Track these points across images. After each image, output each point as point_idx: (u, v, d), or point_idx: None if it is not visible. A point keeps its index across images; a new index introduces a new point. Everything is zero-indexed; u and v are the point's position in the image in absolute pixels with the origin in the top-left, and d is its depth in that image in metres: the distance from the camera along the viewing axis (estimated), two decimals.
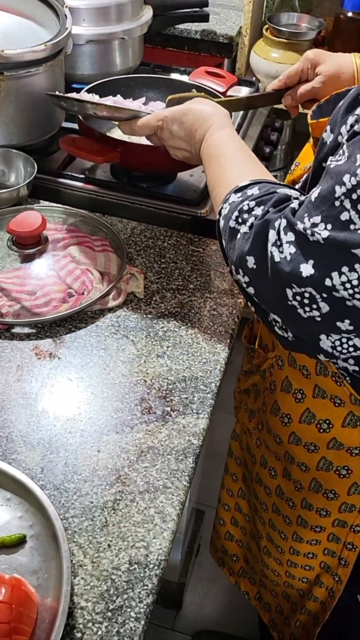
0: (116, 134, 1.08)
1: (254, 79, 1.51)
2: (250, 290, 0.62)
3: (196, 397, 0.77)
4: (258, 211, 0.60)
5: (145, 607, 0.58)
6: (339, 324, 0.55)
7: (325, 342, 0.58)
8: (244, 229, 0.61)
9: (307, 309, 0.55)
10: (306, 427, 0.73)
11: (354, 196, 0.49)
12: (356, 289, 0.51)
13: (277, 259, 0.56)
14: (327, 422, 0.71)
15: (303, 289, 0.54)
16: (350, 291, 0.52)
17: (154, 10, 1.35)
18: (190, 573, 1.46)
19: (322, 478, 0.75)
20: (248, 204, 0.62)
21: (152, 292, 0.91)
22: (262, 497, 0.88)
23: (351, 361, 0.60)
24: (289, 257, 0.55)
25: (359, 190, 0.48)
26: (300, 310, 0.56)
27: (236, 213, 0.62)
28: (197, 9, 1.48)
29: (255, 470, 0.88)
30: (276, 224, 0.57)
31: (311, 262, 0.53)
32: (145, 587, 0.60)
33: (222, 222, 0.66)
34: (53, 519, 0.61)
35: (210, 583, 1.51)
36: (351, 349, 0.57)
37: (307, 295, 0.54)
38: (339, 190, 0.50)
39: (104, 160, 0.97)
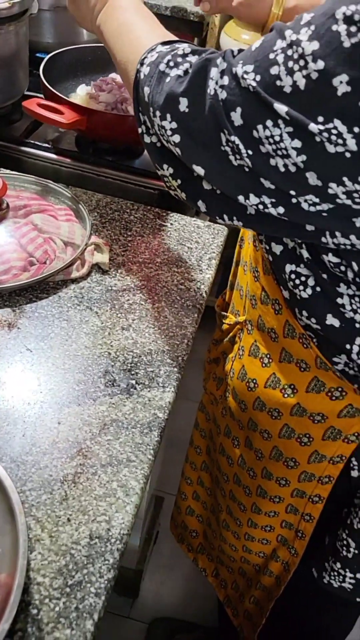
0: (80, 100, 1.05)
1: None
2: (175, 138, 0.57)
3: (162, 370, 0.75)
4: (193, 58, 0.57)
5: (106, 582, 0.55)
6: (262, 180, 0.53)
7: (243, 202, 0.55)
8: (177, 72, 0.57)
9: (237, 156, 0.53)
10: (271, 392, 0.72)
11: (289, 52, 0.47)
12: (279, 145, 0.49)
13: (220, 97, 0.52)
14: (292, 387, 0.70)
15: (234, 137, 0.52)
16: (274, 146, 0.50)
17: None
18: (148, 560, 1.44)
19: (283, 446, 0.74)
20: (183, 50, 0.58)
21: (117, 265, 0.88)
22: (224, 468, 0.86)
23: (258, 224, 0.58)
24: (221, 103, 0.52)
25: (295, 47, 0.47)
26: (232, 157, 0.53)
27: (169, 57, 0.58)
28: None
29: (220, 440, 0.86)
30: (218, 61, 0.54)
31: (239, 110, 0.51)
32: (107, 562, 0.57)
33: (146, 69, 0.61)
34: (9, 492, 0.57)
35: (169, 570, 1.49)
36: (265, 211, 0.56)
37: (237, 143, 0.52)
38: (279, 44, 0.48)
39: (70, 126, 0.93)
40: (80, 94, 1.09)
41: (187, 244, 0.94)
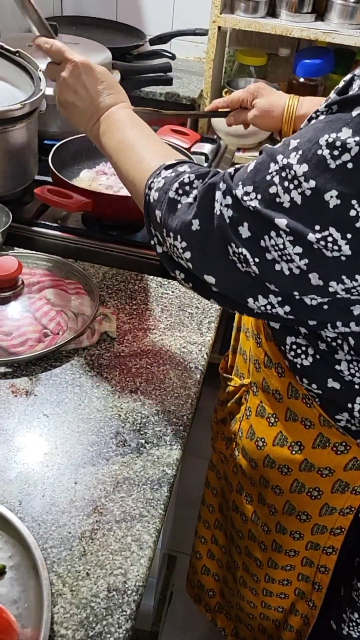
0: (84, 184, 1.15)
1: (215, 136, 1.62)
2: (187, 255, 0.64)
3: (169, 429, 0.80)
4: (199, 184, 0.64)
5: (124, 632, 0.59)
6: (268, 284, 0.60)
7: (252, 305, 0.62)
8: (187, 199, 0.64)
9: (244, 264, 0.60)
10: (279, 450, 0.77)
11: (283, 174, 0.55)
12: (284, 252, 0.56)
13: (225, 217, 0.60)
14: (299, 444, 0.75)
15: (241, 249, 0.59)
16: (279, 253, 0.57)
17: (121, 74, 1.45)
18: (163, 621, 1.44)
19: (295, 500, 0.79)
20: (189, 177, 0.65)
21: (124, 332, 0.95)
22: (239, 525, 0.90)
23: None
24: (228, 220, 0.60)
25: (288, 169, 0.55)
26: (239, 265, 0.60)
27: (176, 185, 0.65)
28: (162, 74, 1.60)
29: (232, 497, 0.90)
30: (220, 185, 0.61)
31: (246, 224, 0.58)
32: (124, 613, 0.61)
33: (155, 194, 0.67)
34: (32, 549, 0.62)
35: (185, 631, 1.48)
36: (273, 311, 0.62)
37: (244, 254, 0.59)
38: (272, 167, 0.57)
39: (77, 209, 1.03)
40: (83, 177, 1.20)
41: (188, 309, 1.01)
